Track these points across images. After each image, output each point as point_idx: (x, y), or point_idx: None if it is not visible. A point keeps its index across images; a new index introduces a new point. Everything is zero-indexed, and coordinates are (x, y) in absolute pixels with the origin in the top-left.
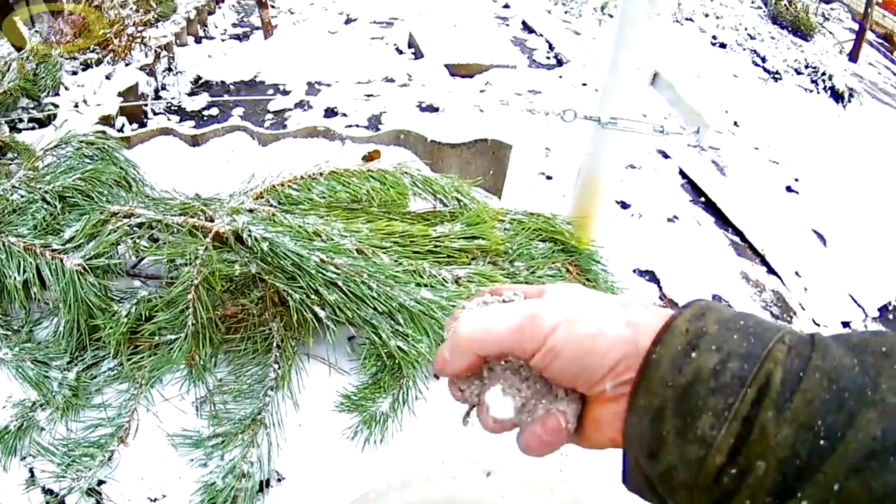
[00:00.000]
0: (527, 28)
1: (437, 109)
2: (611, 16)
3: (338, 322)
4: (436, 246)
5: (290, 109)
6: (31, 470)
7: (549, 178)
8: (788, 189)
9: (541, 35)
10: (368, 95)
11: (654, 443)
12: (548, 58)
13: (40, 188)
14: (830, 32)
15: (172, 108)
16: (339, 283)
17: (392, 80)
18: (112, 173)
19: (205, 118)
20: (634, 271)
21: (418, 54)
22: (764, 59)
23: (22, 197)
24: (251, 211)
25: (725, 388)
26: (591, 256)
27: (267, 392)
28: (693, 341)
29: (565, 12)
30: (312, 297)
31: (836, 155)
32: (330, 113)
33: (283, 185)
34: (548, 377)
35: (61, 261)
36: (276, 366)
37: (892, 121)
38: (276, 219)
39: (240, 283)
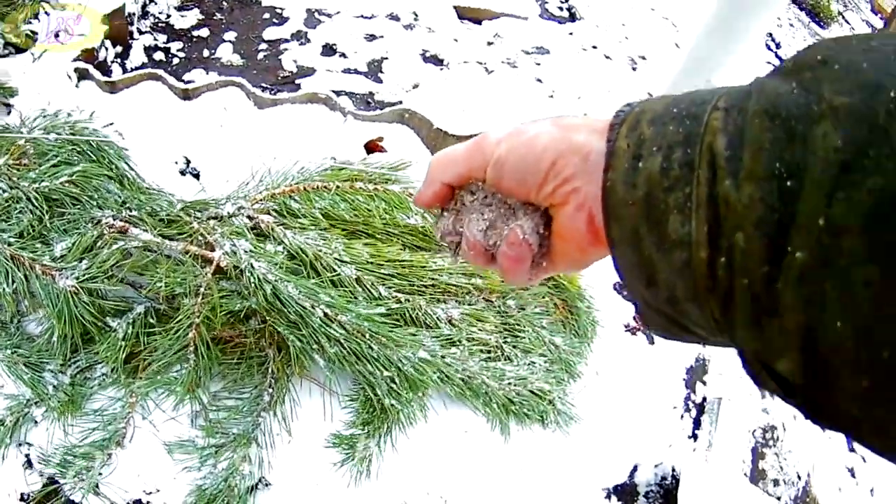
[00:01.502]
0: None
1: (441, 62)
2: None
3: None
4: (432, 280)
5: (286, 41)
6: (27, 456)
7: None
8: None
9: None
10: (370, 36)
11: (644, 268)
12: (560, 9)
13: (25, 185)
14: (848, 23)
15: (160, 24)
16: (342, 341)
17: (397, 19)
18: (102, 175)
19: (194, 39)
20: (614, 286)
21: None
22: (778, 46)
23: (3, 192)
24: (251, 218)
25: (678, 180)
26: (580, 294)
27: (260, 413)
28: (636, 152)
29: None
30: (314, 346)
31: None
32: (328, 50)
33: (283, 193)
34: (503, 191)
35: (53, 278)
36: (270, 389)
37: None
38: (276, 235)
39: (239, 314)
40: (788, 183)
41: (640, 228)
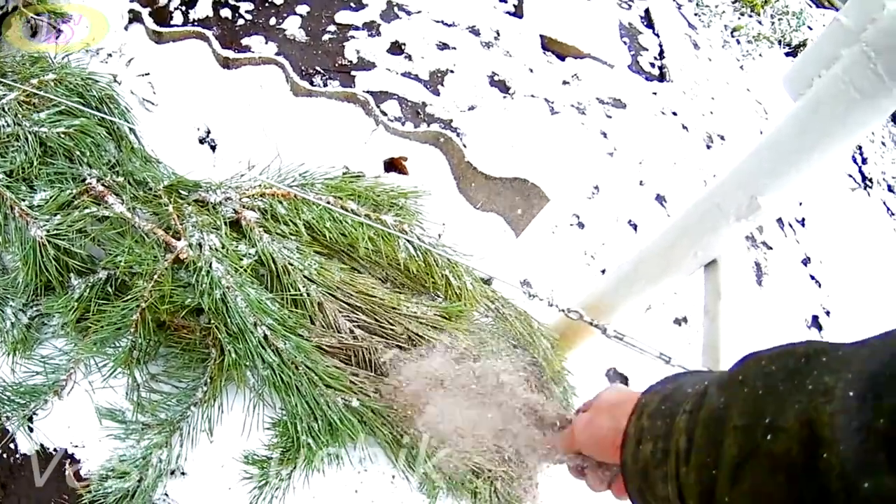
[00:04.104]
0: (647, 20)
1: (507, 89)
2: (738, 41)
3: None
4: (400, 324)
5: (356, 28)
6: None
7: (581, 225)
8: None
9: (657, 35)
10: (443, 45)
11: None
12: (652, 65)
13: (27, 125)
14: None
15: None
16: (274, 367)
17: (477, 33)
18: (100, 133)
19: (265, 4)
20: (608, 372)
21: (518, 10)
22: (864, 161)
23: (7, 126)
24: (236, 212)
25: (661, 462)
26: (558, 376)
27: (190, 406)
28: (639, 437)
29: (696, 14)
30: (248, 363)
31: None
32: (395, 49)
33: (274, 195)
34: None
35: (27, 224)
36: (205, 387)
37: None
38: (253, 236)
39: (189, 306)
40: (713, 472)
41: (643, 488)
